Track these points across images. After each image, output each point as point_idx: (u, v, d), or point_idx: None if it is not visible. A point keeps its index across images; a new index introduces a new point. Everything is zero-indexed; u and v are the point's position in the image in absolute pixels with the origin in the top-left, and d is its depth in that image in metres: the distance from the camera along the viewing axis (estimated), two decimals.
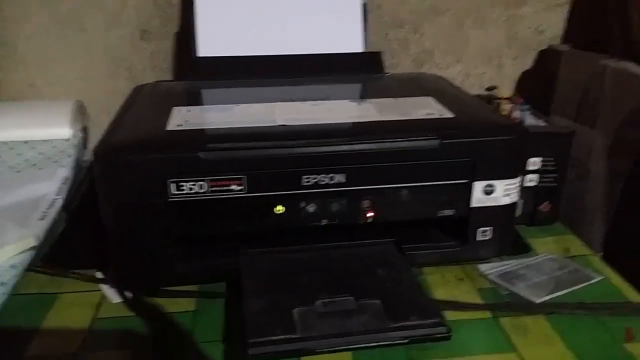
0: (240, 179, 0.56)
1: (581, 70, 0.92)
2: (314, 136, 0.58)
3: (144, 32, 0.94)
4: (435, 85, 0.78)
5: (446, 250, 0.63)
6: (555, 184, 0.71)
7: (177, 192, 0.55)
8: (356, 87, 0.80)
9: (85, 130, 0.89)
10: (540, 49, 1.03)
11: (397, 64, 1.00)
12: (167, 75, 0.96)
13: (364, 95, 0.69)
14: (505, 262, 0.65)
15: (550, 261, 0.65)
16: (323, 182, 0.57)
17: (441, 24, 0.99)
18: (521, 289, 0.59)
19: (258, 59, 0.83)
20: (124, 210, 0.56)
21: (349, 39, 0.87)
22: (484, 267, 0.64)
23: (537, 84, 1.02)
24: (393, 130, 0.59)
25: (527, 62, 1.04)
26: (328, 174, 0.57)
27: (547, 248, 0.68)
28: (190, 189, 0.55)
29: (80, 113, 0.87)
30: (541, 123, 0.73)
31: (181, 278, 0.60)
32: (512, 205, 0.62)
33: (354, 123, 0.61)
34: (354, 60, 0.86)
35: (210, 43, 0.84)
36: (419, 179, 0.59)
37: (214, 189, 0.56)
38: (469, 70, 1.03)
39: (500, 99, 0.78)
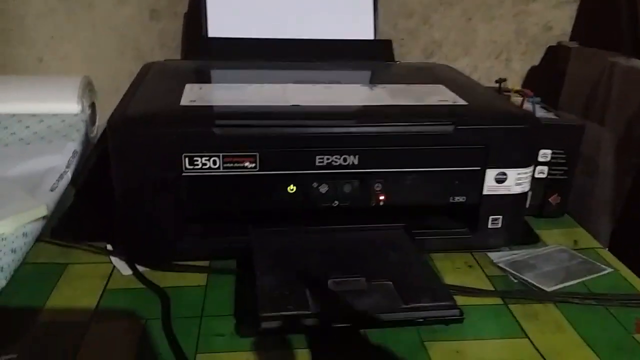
0: (253, 156, 0.56)
1: (590, 67, 0.92)
2: (328, 117, 0.58)
3: (153, 12, 0.93)
4: (446, 74, 0.78)
5: (456, 237, 0.63)
6: (565, 177, 0.71)
7: (190, 167, 0.55)
8: (367, 73, 0.80)
9: (93, 106, 0.89)
10: (548, 45, 1.03)
11: (405, 54, 1.00)
12: (175, 55, 0.96)
13: (375, 81, 0.69)
14: (515, 252, 0.65)
15: (560, 252, 0.65)
16: (336, 163, 0.57)
17: (451, 15, 0.99)
18: (532, 278, 0.60)
19: (268, 41, 0.83)
20: (136, 183, 0.56)
21: (360, 26, 0.87)
22: (493, 255, 0.64)
23: (545, 80, 1.02)
24: (407, 114, 0.59)
25: (535, 58, 1.04)
26: (341, 155, 0.57)
27: (556, 240, 0.68)
28: (204, 164, 0.55)
29: (89, 89, 0.87)
30: (551, 116, 0.73)
31: (192, 253, 0.60)
32: (524, 195, 0.62)
33: (367, 106, 0.61)
34: (365, 47, 0.86)
35: (221, 24, 0.84)
36: (432, 164, 0.59)
37: (227, 165, 0.56)
38: (477, 63, 1.03)
39: (510, 91, 0.78)
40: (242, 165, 0.56)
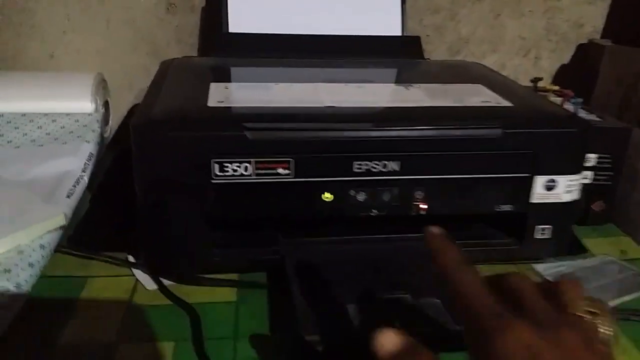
0: (287, 162, 0.52)
1: (625, 67, 0.88)
2: (367, 119, 0.54)
3: (169, 5, 0.89)
4: (481, 72, 0.74)
5: (501, 247, 0.60)
6: (610, 183, 0.67)
7: (220, 174, 0.51)
8: (398, 71, 0.76)
9: (106, 105, 0.85)
10: (579, 43, 0.99)
11: (431, 51, 0.96)
12: (192, 51, 0.91)
13: (409, 80, 0.65)
14: (562, 263, 0.61)
15: (610, 264, 0.61)
16: (375, 170, 0.53)
17: (478, 11, 0.95)
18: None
19: (291, 37, 0.79)
20: (162, 191, 0.52)
21: (387, 22, 0.83)
22: (539, 267, 0.60)
23: (575, 79, 0.98)
24: (450, 116, 0.55)
25: (565, 56, 1.00)
26: (381, 160, 0.53)
27: (603, 249, 0.64)
28: (235, 170, 0.51)
29: (102, 86, 0.83)
30: (594, 118, 0.69)
31: (220, 266, 0.56)
32: (573, 203, 0.58)
33: (407, 107, 0.57)
34: (393, 43, 0.82)
35: (242, 19, 0.80)
36: (477, 171, 0.55)
37: (259, 171, 0.52)
38: (505, 61, 0.99)
39: (547, 91, 0.74)
40: (275, 171, 0.52)
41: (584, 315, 0.28)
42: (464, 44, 0.97)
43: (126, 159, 0.52)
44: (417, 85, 0.64)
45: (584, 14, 0.98)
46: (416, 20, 0.94)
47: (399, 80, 0.65)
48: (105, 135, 0.83)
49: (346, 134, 0.52)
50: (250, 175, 0.52)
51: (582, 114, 0.70)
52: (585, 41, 0.98)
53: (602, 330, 0.28)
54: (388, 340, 0.30)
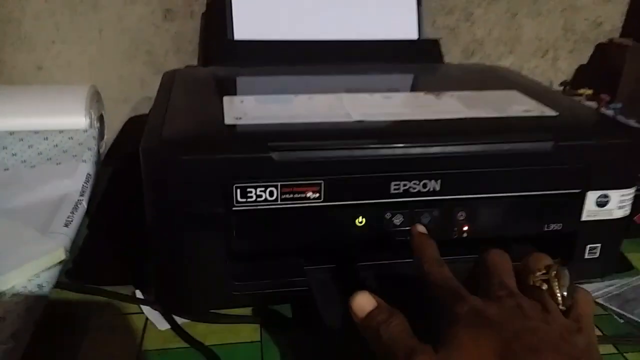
0: (317, 184, 0.46)
1: None
2: (403, 135, 0.48)
3: (167, 11, 0.83)
4: (511, 77, 0.69)
5: None
6: None
7: (242, 200, 0.45)
8: (423, 78, 0.70)
9: (101, 119, 0.78)
10: (598, 43, 0.94)
11: (445, 54, 0.90)
12: (192, 60, 0.85)
13: (436, 87, 0.60)
14: (610, 283, 0.56)
15: None
16: (414, 190, 0.48)
17: (494, 11, 0.90)
18: None
19: (303, 43, 0.74)
20: (176, 219, 0.46)
21: (402, 25, 0.78)
22: (587, 289, 0.55)
23: (595, 80, 0.93)
24: (496, 129, 0.50)
25: (584, 57, 0.95)
26: (421, 180, 0.48)
27: None
28: (259, 196, 0.45)
29: (96, 100, 0.76)
30: (633, 123, 0.64)
31: (240, 301, 0.50)
32: (624, 219, 0.53)
33: (445, 120, 0.52)
34: (411, 47, 0.76)
35: (248, 25, 0.74)
36: (525, 188, 0.50)
37: (285, 196, 0.46)
38: (522, 63, 0.94)
39: (580, 94, 0.69)
40: (303, 195, 0.46)
41: (539, 285, 0.34)
42: (479, 45, 0.92)
43: (125, 176, 0.46)
44: (449, 93, 0.58)
45: (602, 13, 0.93)
46: (429, 21, 0.89)
47: (426, 88, 0.59)
48: (100, 151, 0.76)
49: (382, 151, 0.46)
50: (275, 201, 0.46)
51: (622, 119, 0.65)
52: (604, 40, 0.94)
53: (558, 294, 0.33)
54: (364, 300, 0.35)
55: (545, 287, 0.34)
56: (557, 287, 0.33)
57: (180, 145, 0.45)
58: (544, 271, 0.34)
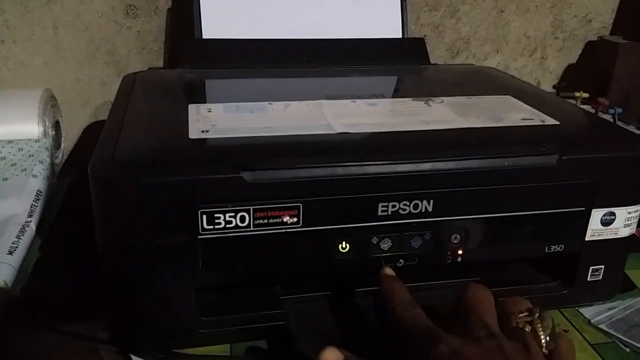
0: (295, 207, 0.41)
1: None
2: (391, 150, 0.43)
3: (129, 7, 0.76)
4: (503, 80, 0.64)
5: (546, 293, 0.50)
6: None
7: (209, 227, 0.40)
8: (410, 81, 0.65)
9: (57, 126, 0.72)
10: (587, 40, 0.90)
11: (429, 53, 0.85)
12: (158, 61, 0.79)
13: (425, 92, 0.55)
14: (612, 305, 0.52)
15: None
16: (404, 212, 0.43)
17: (481, 7, 0.85)
18: None
19: (278, 43, 0.68)
20: (132, 251, 0.40)
21: (385, 23, 0.72)
22: (587, 312, 0.51)
23: (584, 80, 0.89)
24: (495, 142, 0.45)
25: (573, 55, 0.91)
26: (411, 200, 0.42)
27: None
28: (228, 222, 0.40)
29: (51, 105, 0.70)
30: (634, 130, 0.60)
31: (209, 338, 0.44)
32: (629, 238, 0.49)
33: (437, 131, 0.46)
34: (395, 47, 0.71)
35: (218, 22, 0.68)
36: (526, 207, 0.45)
37: (259, 221, 0.40)
38: (509, 62, 0.90)
39: (576, 98, 0.65)
40: (280, 220, 0.41)
41: (522, 326, 0.33)
42: (465, 44, 0.87)
43: (85, 189, 0.40)
44: (439, 99, 0.53)
45: (592, 9, 0.89)
46: (412, 18, 0.84)
47: (414, 93, 0.54)
48: (57, 161, 0.70)
49: (368, 169, 0.41)
50: (247, 227, 0.40)
51: (621, 124, 0.61)
52: (594, 38, 0.90)
53: (542, 337, 0.32)
54: (331, 356, 0.34)
55: (528, 328, 0.33)
56: (541, 330, 0.33)
57: (135, 166, 0.39)
58: (526, 313, 0.34)
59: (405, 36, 0.72)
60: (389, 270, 0.42)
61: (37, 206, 0.55)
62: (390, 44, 0.70)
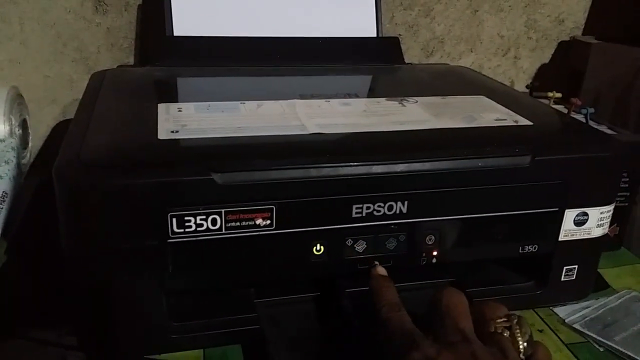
0: (268, 210, 0.40)
1: (615, 66, 0.81)
2: (365, 151, 0.42)
3: (98, 3, 0.74)
4: (476, 79, 0.64)
5: (520, 294, 0.50)
6: (626, 204, 0.59)
7: (179, 230, 0.39)
8: (384, 80, 0.65)
9: (24, 125, 0.69)
10: (560, 40, 0.91)
11: (403, 52, 0.85)
12: (128, 58, 0.77)
13: (400, 92, 0.54)
14: (584, 304, 0.52)
15: (636, 301, 0.53)
16: (379, 213, 0.42)
17: (455, 6, 0.85)
18: (622, 344, 0.47)
19: (251, 41, 0.67)
20: (101, 257, 0.38)
21: (360, 22, 0.72)
22: (561, 312, 0.51)
23: (556, 80, 0.90)
24: (468, 143, 0.45)
25: (546, 55, 0.92)
26: (385, 202, 0.42)
27: (624, 282, 0.56)
28: (199, 225, 0.39)
29: (18, 103, 0.67)
30: (605, 130, 0.61)
31: (181, 343, 0.43)
32: (602, 238, 0.49)
33: (411, 132, 0.46)
34: (369, 46, 0.71)
35: (190, 19, 0.67)
36: (500, 207, 0.45)
37: (231, 224, 0.39)
38: (483, 62, 0.90)
39: (548, 98, 0.65)
40: (252, 223, 0.40)
41: (501, 332, 0.33)
42: (439, 43, 0.87)
43: (53, 189, 0.39)
44: (413, 99, 0.53)
45: (565, 9, 0.90)
46: (387, 17, 0.83)
47: (389, 93, 0.53)
48: (24, 161, 0.68)
49: (342, 170, 0.40)
50: (219, 230, 0.39)
51: (593, 124, 0.61)
52: (567, 38, 0.90)
53: (520, 343, 0.32)
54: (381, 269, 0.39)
55: (507, 334, 0.33)
56: (519, 336, 0.33)
57: (102, 167, 0.38)
58: (505, 319, 0.34)
59: (380, 35, 0.71)
60: (380, 270, 0.42)
61: (2, 208, 0.53)
62: (365, 43, 0.70)
